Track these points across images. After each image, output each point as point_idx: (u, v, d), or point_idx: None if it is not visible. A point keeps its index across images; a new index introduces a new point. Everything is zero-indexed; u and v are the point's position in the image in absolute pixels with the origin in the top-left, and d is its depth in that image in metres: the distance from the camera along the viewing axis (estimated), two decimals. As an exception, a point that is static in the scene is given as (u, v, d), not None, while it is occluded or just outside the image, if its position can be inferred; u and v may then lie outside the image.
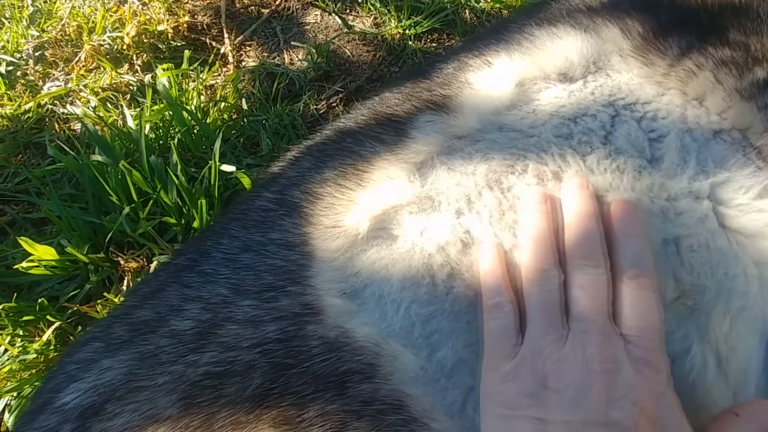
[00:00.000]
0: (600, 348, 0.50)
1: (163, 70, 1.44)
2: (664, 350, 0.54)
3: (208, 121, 1.38)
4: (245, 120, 1.41)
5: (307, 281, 0.66)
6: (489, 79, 0.79)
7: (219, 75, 1.56)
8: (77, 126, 1.44)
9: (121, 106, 1.43)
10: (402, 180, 0.71)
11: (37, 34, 1.65)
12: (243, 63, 1.60)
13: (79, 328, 1.09)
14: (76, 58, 1.59)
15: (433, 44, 1.59)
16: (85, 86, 1.51)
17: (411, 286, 0.63)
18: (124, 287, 1.14)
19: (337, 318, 0.62)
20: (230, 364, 0.60)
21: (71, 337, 1.07)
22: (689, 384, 0.59)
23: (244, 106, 1.45)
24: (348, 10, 1.69)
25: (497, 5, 1.62)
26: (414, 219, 0.68)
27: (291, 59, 1.59)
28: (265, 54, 1.61)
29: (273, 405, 0.57)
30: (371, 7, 1.65)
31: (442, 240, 0.65)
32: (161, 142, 1.34)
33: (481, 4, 1.64)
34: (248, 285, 0.66)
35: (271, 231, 0.72)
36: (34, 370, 1.05)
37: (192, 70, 1.49)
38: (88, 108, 1.45)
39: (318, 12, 1.69)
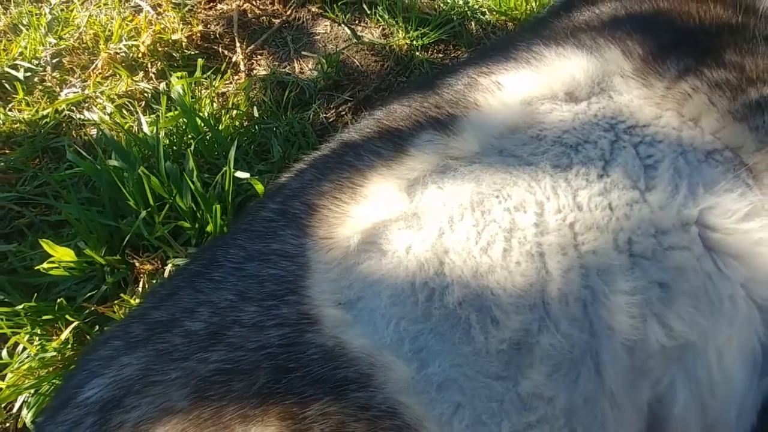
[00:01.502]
0: None
1: (178, 78, 1.48)
2: None
3: (220, 128, 1.42)
4: (256, 127, 1.45)
5: (304, 291, 0.70)
6: (497, 101, 0.81)
7: (231, 83, 1.60)
8: (93, 131, 1.49)
9: (137, 112, 1.48)
10: (392, 196, 0.74)
11: (55, 41, 1.70)
12: (254, 71, 1.64)
13: (96, 327, 1.13)
14: (93, 66, 1.64)
15: (440, 55, 1.63)
16: (102, 93, 1.55)
17: (399, 302, 0.67)
18: (140, 288, 1.18)
19: (333, 328, 0.66)
20: (237, 362, 0.64)
21: (88, 337, 1.11)
22: (671, 421, 0.64)
23: (256, 114, 1.49)
24: (357, 21, 1.73)
25: (502, 18, 1.66)
26: (401, 235, 0.71)
27: (301, 68, 1.64)
28: (276, 63, 1.65)
29: (278, 402, 0.60)
30: (380, 19, 1.69)
31: (423, 258, 0.69)
32: (175, 147, 1.39)
33: (486, 16, 1.67)
34: (253, 293, 0.71)
35: (272, 242, 0.76)
36: (51, 368, 1.08)
37: (205, 78, 1.54)
38: (105, 114, 1.49)
39: (328, 23, 1.73)
